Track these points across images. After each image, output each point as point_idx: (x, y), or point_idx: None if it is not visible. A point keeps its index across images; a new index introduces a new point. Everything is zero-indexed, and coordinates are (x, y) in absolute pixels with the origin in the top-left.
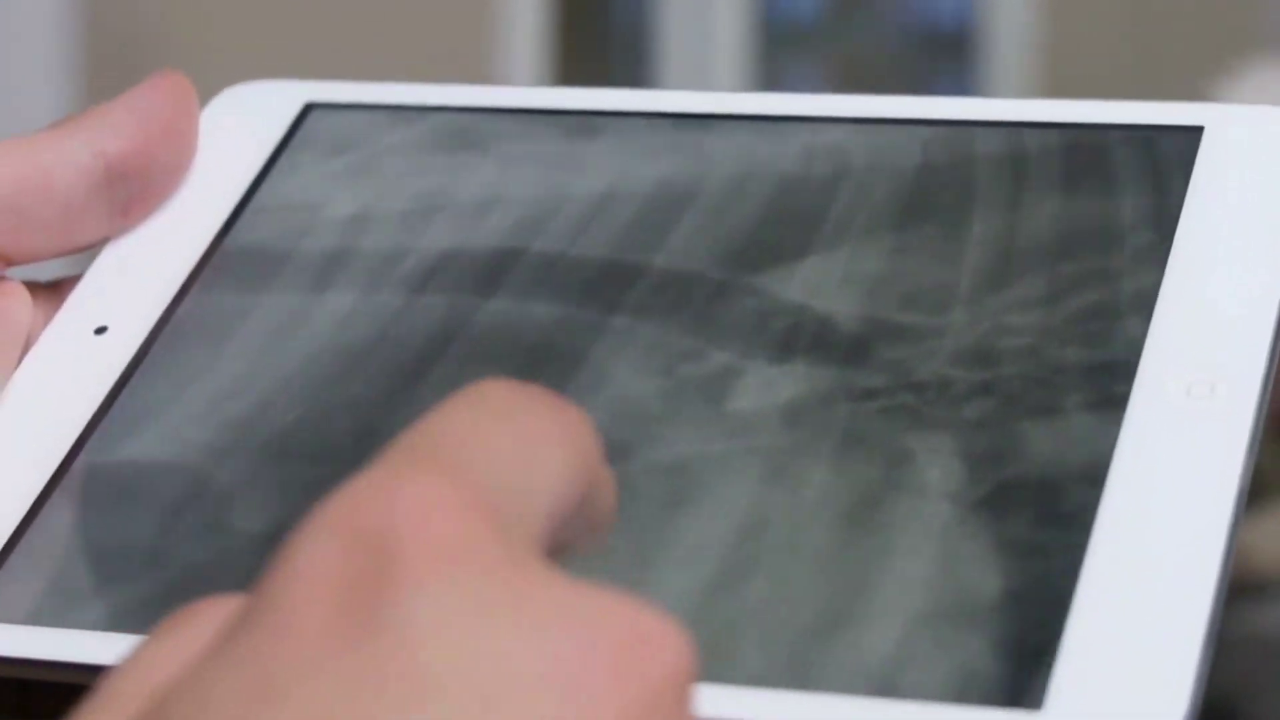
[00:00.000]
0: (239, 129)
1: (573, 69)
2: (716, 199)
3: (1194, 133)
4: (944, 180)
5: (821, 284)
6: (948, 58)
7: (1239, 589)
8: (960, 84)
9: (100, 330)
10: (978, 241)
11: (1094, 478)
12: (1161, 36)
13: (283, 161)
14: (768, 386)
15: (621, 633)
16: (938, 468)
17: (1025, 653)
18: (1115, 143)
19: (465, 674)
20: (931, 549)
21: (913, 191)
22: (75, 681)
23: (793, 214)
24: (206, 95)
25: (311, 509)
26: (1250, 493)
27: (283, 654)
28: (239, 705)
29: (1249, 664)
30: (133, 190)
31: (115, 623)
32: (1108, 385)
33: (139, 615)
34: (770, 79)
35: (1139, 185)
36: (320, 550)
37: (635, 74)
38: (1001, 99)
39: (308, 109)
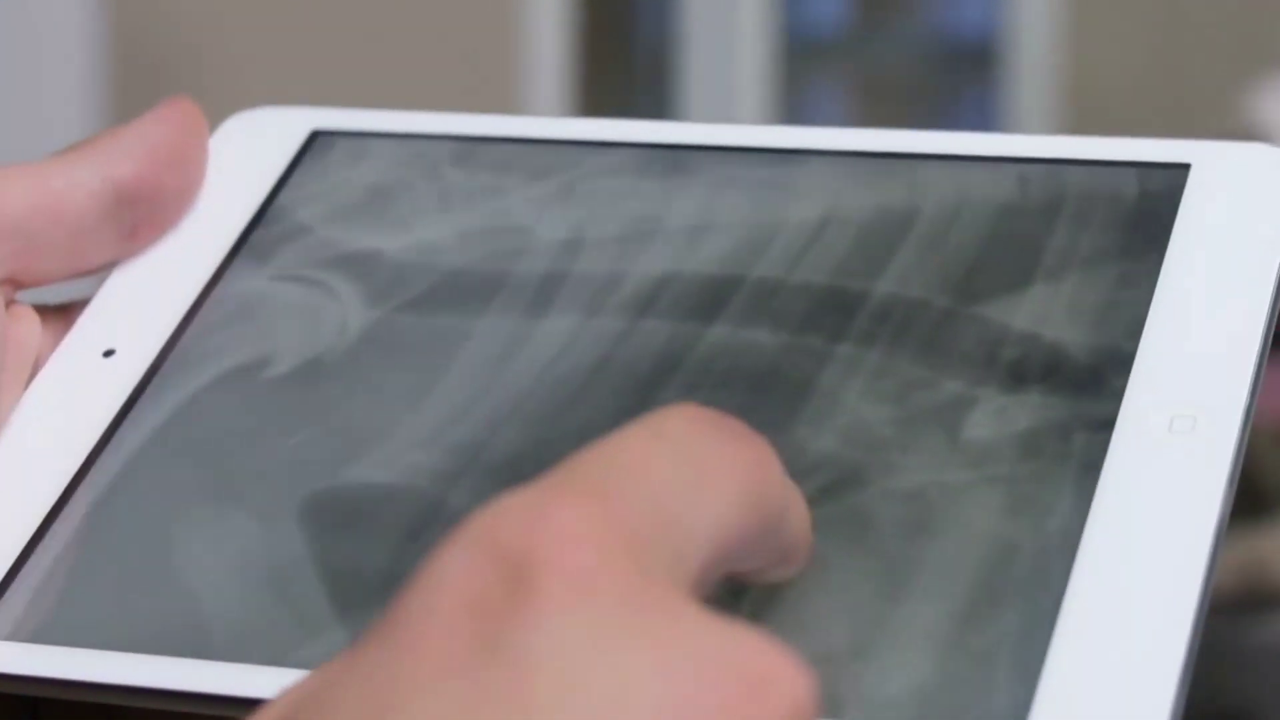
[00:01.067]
0: (246, 155)
1: (596, 83)
2: (931, 229)
3: (1181, 170)
4: (943, 216)
5: (1048, 313)
6: (971, 72)
7: (1253, 600)
8: (984, 98)
9: (108, 353)
10: (961, 266)
11: (1076, 508)
12: (1188, 50)
13: (288, 188)
14: (1002, 415)
15: (740, 673)
16: None
17: (1007, 677)
18: (1103, 179)
19: (576, 704)
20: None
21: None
22: (87, 700)
23: (1011, 244)
24: (234, 108)
25: (458, 524)
26: (1262, 505)
27: (407, 668)
28: (359, 715)
29: (1263, 675)
30: (141, 215)
31: (123, 642)
32: (1091, 417)
33: (145, 636)
34: (793, 93)
35: (1125, 221)
36: (457, 567)
37: (658, 88)
38: (990, 134)
39: (314, 136)
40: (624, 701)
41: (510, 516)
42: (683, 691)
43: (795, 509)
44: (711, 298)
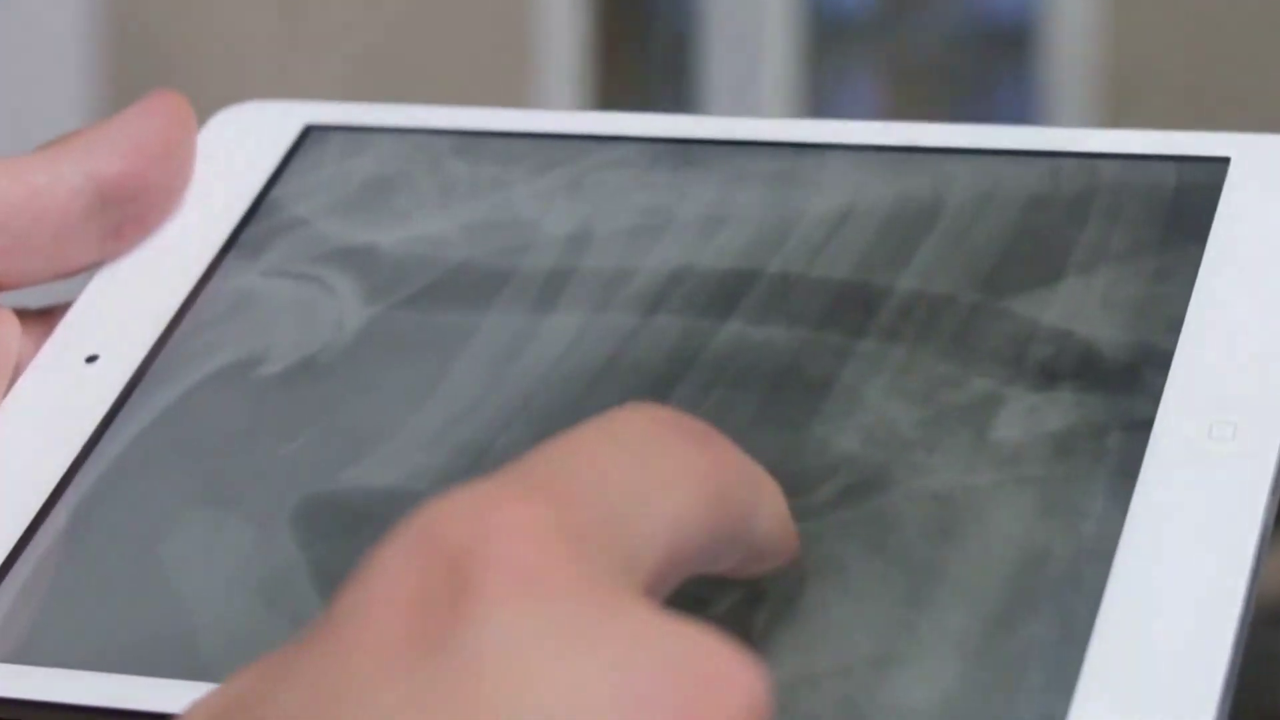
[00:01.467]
0: (237, 150)
1: (615, 68)
2: (958, 223)
3: (1220, 164)
4: (960, 205)
5: (1080, 309)
6: (1007, 55)
7: None
8: (1020, 81)
9: (91, 359)
10: (1005, 270)
11: (1111, 514)
12: (1227, 30)
13: (280, 183)
14: (1032, 415)
15: (693, 671)
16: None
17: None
18: (1139, 172)
19: (526, 703)
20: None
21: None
22: None
23: (1042, 239)
24: (229, 102)
25: (400, 519)
26: None
27: (349, 667)
28: (300, 714)
29: None
30: (126, 213)
31: (109, 662)
32: (1126, 419)
33: (132, 655)
34: (821, 76)
35: (1162, 216)
36: (397, 564)
37: (680, 71)
38: (1021, 128)
39: (307, 131)
40: (575, 701)
41: (453, 513)
42: (635, 691)
43: (768, 507)
44: (727, 293)
